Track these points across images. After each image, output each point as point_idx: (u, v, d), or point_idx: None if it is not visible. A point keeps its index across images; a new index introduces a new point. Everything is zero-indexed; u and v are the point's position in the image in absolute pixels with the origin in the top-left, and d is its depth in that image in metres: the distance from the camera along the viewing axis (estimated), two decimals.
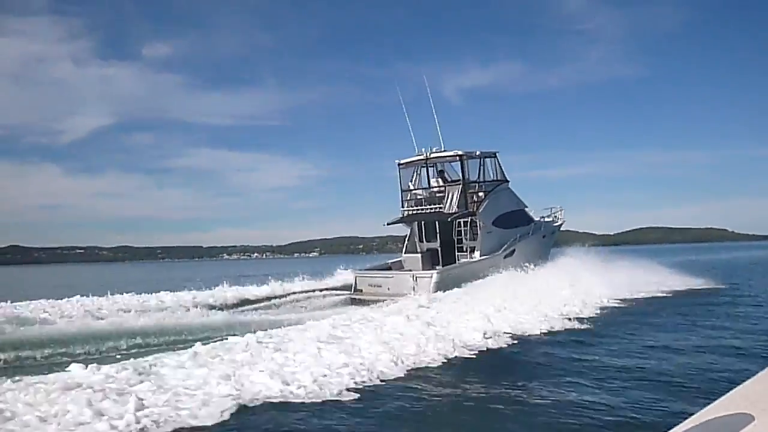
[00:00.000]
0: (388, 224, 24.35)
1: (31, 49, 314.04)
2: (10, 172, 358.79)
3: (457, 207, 22.24)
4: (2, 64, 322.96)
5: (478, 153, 23.36)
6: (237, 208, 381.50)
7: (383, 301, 19.02)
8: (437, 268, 21.54)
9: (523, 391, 8.45)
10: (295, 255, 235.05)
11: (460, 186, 22.56)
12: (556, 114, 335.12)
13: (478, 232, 22.62)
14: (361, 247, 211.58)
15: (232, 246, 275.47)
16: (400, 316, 14.03)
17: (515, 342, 11.92)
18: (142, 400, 7.27)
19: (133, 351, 11.68)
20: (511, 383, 8.85)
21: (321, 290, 22.48)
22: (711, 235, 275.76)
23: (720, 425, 2.10)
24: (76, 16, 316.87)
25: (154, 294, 19.98)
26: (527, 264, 21.45)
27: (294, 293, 21.43)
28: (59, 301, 18.02)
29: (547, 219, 26.61)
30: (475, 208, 22.56)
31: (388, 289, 21.00)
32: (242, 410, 7.40)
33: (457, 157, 22.82)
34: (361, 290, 22.06)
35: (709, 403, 2.33)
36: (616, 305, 17.40)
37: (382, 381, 8.87)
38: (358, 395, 8.09)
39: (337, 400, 7.90)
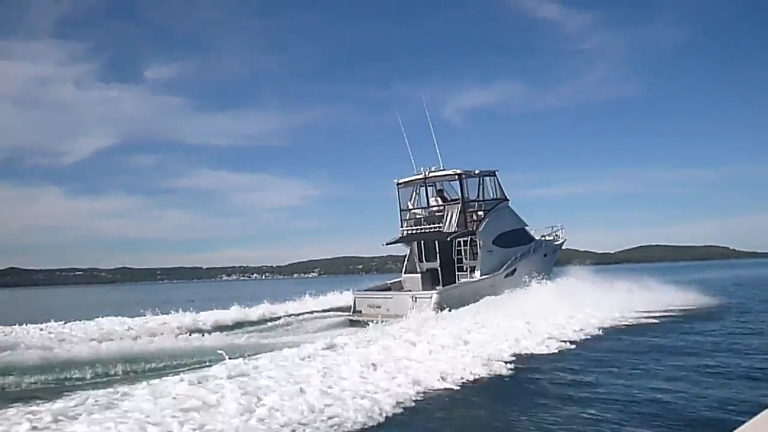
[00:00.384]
0: (387, 244, 24.12)
1: (33, 71, 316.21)
2: (11, 195, 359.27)
3: (457, 226, 22.01)
4: (5, 86, 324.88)
5: (477, 172, 23.19)
6: (238, 228, 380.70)
7: (382, 322, 18.69)
8: (437, 288, 21.23)
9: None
10: (295, 275, 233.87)
11: (460, 205, 22.35)
12: (557, 133, 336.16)
13: (478, 251, 22.36)
14: (360, 267, 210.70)
15: (231, 267, 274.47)
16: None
17: (517, 366, 11.56)
18: None
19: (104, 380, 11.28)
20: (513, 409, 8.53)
21: (319, 311, 22.18)
22: (713, 252, 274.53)
23: None
24: (79, 39, 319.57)
25: (132, 318, 19.60)
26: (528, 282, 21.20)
27: (290, 315, 21.07)
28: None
29: (548, 238, 26.35)
30: (474, 227, 22.33)
31: (388, 309, 20.66)
32: None
33: (456, 176, 22.65)
34: (360, 311, 21.72)
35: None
36: (616, 327, 17.01)
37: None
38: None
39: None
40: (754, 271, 66.59)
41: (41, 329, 17.44)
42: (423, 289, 21.72)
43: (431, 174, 23.10)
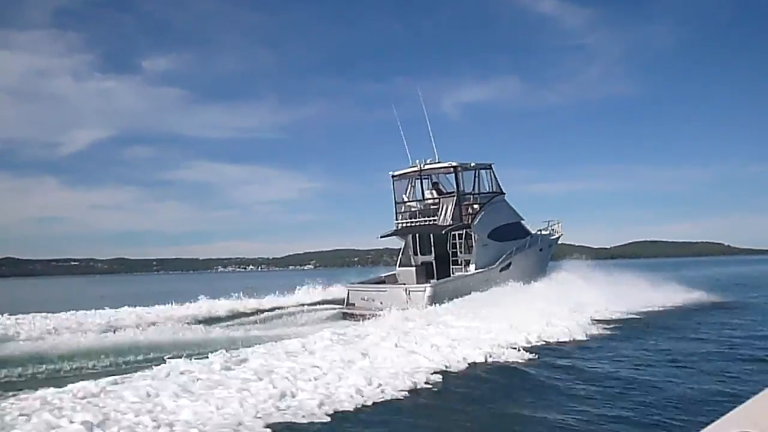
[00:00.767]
0: (381, 237, 23.88)
1: (31, 62, 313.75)
2: (8, 186, 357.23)
3: (452, 219, 21.76)
4: (2, 77, 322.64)
5: (473, 164, 22.93)
6: (234, 220, 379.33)
7: (375, 315, 18.47)
8: (431, 281, 21.00)
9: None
10: (290, 267, 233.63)
11: (455, 198, 22.09)
12: (555, 129, 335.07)
13: (473, 244, 22.13)
14: (356, 259, 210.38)
15: (227, 258, 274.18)
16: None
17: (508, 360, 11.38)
18: None
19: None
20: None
21: (312, 304, 21.94)
22: (708, 249, 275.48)
23: None
24: (77, 30, 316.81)
25: (117, 309, 19.18)
26: (524, 278, 20.99)
27: (282, 308, 20.82)
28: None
29: (544, 232, 26.09)
30: (470, 221, 22.07)
31: (381, 303, 20.39)
32: None
33: (452, 169, 22.38)
34: (354, 304, 21.48)
35: (709, 423, 2.27)
36: (613, 321, 16.86)
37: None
38: None
39: None
40: (751, 268, 66.59)
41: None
42: (417, 283, 21.51)
43: (426, 166, 22.82)
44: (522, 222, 24.57)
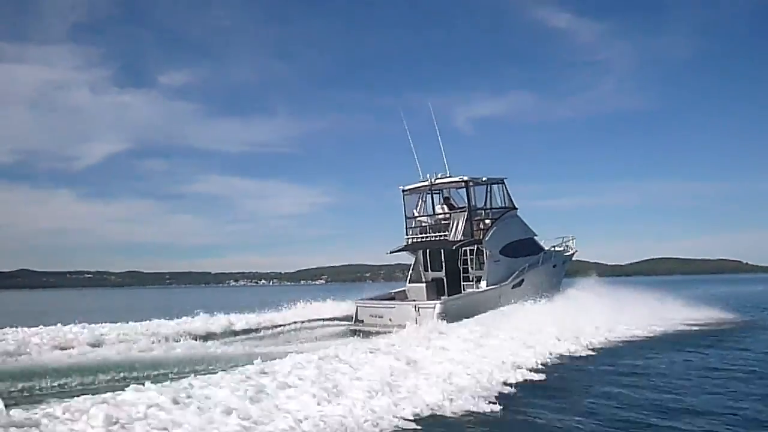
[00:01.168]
0: (391, 252, 23.48)
1: (49, 76, 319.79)
2: (25, 198, 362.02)
3: (463, 235, 21.36)
4: (21, 90, 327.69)
5: (484, 179, 22.53)
6: (247, 234, 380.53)
7: (384, 332, 18.09)
8: (442, 298, 20.57)
9: None
10: (302, 282, 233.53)
11: (466, 213, 21.70)
12: (568, 144, 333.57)
13: (485, 261, 21.69)
14: (368, 275, 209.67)
15: (240, 272, 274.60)
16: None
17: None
18: None
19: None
20: None
21: (321, 320, 21.53)
22: (725, 266, 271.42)
23: None
24: (95, 44, 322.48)
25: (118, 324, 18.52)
26: (536, 295, 20.50)
27: (290, 323, 20.42)
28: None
29: (558, 248, 25.57)
30: (481, 236, 21.64)
31: (390, 320, 20.01)
32: None
33: (463, 183, 22.01)
34: (362, 321, 21.10)
35: None
36: (629, 341, 16.39)
37: None
38: None
39: None
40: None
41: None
42: (428, 299, 21.09)
43: (437, 181, 22.46)
44: (535, 238, 24.10)
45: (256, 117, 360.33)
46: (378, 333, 18.42)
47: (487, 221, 22.26)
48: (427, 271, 23.12)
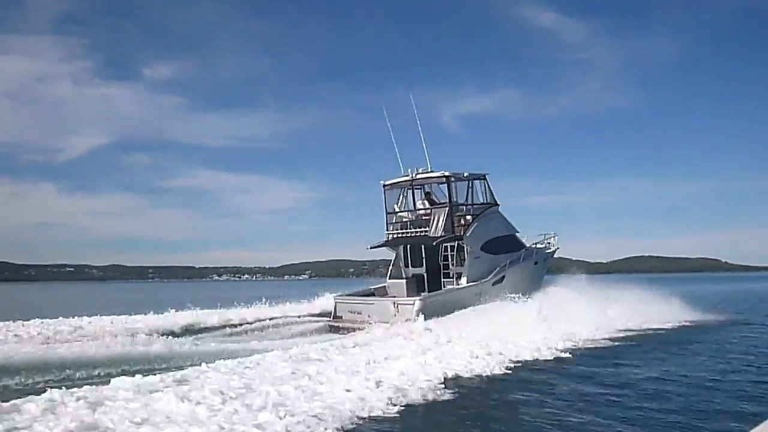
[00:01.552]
0: (371, 248, 23.18)
1: (31, 67, 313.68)
2: (6, 190, 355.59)
3: (443, 231, 21.08)
4: (2, 82, 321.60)
5: (466, 174, 22.27)
6: (232, 229, 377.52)
7: (362, 329, 17.78)
8: (422, 294, 20.31)
9: None
10: (286, 277, 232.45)
11: (447, 209, 21.42)
12: (553, 142, 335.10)
13: (466, 257, 21.45)
14: (352, 270, 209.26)
15: (223, 267, 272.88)
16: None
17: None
18: None
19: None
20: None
21: (299, 316, 21.22)
22: (705, 265, 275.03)
23: None
24: (78, 36, 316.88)
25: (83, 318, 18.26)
26: (518, 292, 20.31)
27: (268, 319, 20.03)
28: None
29: (539, 245, 25.40)
30: (462, 232, 21.38)
31: (369, 316, 19.72)
32: None
33: (444, 179, 21.72)
34: (341, 317, 20.78)
35: None
36: (609, 339, 16.23)
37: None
38: None
39: None
40: (749, 286, 65.99)
41: None
42: (408, 296, 20.82)
43: (418, 176, 22.15)
44: (516, 234, 23.91)
45: (242, 112, 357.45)
46: (357, 329, 18.11)
47: (469, 217, 22.03)
48: (408, 267, 22.84)
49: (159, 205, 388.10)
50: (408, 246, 22.67)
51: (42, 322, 16.83)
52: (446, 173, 21.65)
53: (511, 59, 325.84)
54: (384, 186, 23.04)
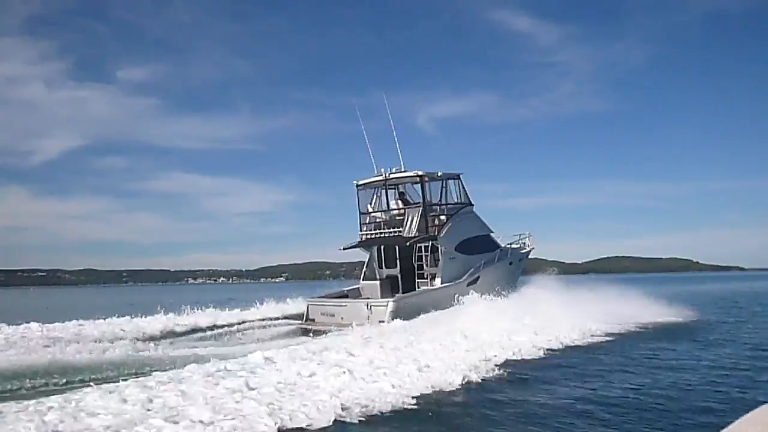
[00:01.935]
0: (344, 249, 22.81)
1: (1, 69, 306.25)
2: None
3: (417, 231, 20.81)
4: None
5: (440, 174, 22.06)
6: (208, 232, 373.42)
7: (335, 331, 17.43)
8: (395, 296, 20.01)
9: None
10: (262, 280, 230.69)
11: (420, 209, 21.16)
12: (528, 145, 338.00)
13: (440, 257, 21.22)
14: (329, 273, 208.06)
15: (200, 270, 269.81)
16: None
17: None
18: None
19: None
20: None
21: (271, 319, 20.75)
22: (677, 265, 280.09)
23: None
24: (50, 37, 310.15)
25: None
26: (492, 292, 20.13)
27: (239, 323, 19.54)
28: None
29: (514, 245, 25.28)
30: (436, 232, 21.15)
31: (342, 318, 19.37)
32: None
33: (418, 178, 21.46)
34: (313, 319, 20.40)
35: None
36: (586, 340, 16.07)
37: None
38: None
39: None
40: (718, 286, 67.04)
41: None
42: (382, 297, 20.48)
43: (392, 175, 21.84)
44: (491, 234, 23.74)
45: (218, 114, 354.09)
46: (329, 332, 17.74)
47: (443, 217, 21.80)
48: (382, 268, 22.54)
49: (133, 209, 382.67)
50: (382, 247, 22.37)
51: None
52: (420, 173, 21.39)
53: (486, 62, 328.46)
54: (357, 186, 22.71)
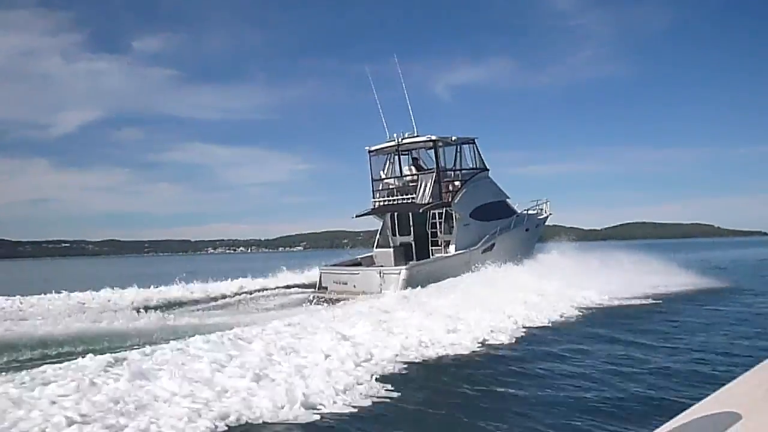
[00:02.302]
0: (357, 216, 22.48)
1: (18, 42, 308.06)
2: None
3: (431, 197, 20.39)
4: None
5: (454, 139, 21.46)
6: (226, 202, 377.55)
7: (348, 299, 17.21)
8: (409, 263, 19.72)
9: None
10: (281, 249, 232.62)
11: (434, 174, 20.70)
12: (546, 111, 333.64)
13: (454, 224, 20.81)
14: (346, 241, 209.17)
15: (219, 240, 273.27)
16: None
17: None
18: None
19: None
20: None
21: (284, 287, 20.71)
22: (698, 230, 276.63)
23: (707, 423, 2.03)
24: (65, 9, 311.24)
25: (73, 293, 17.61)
26: (508, 259, 19.78)
27: (254, 291, 19.63)
28: None
29: (531, 212, 24.73)
30: (450, 199, 20.71)
31: (354, 286, 19.18)
32: None
33: (431, 143, 20.94)
34: (326, 288, 20.23)
35: (696, 402, 2.17)
36: (601, 307, 15.68)
37: None
38: None
39: None
40: (743, 252, 65.84)
41: None
42: (395, 265, 20.19)
43: (405, 141, 21.34)
44: (507, 201, 23.22)
45: (234, 84, 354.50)
46: (342, 300, 17.54)
47: (457, 183, 21.30)
48: (395, 235, 22.21)
49: (153, 180, 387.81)
50: (395, 214, 22.01)
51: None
52: (433, 137, 20.85)
53: (504, 28, 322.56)
54: (369, 152, 22.25)
